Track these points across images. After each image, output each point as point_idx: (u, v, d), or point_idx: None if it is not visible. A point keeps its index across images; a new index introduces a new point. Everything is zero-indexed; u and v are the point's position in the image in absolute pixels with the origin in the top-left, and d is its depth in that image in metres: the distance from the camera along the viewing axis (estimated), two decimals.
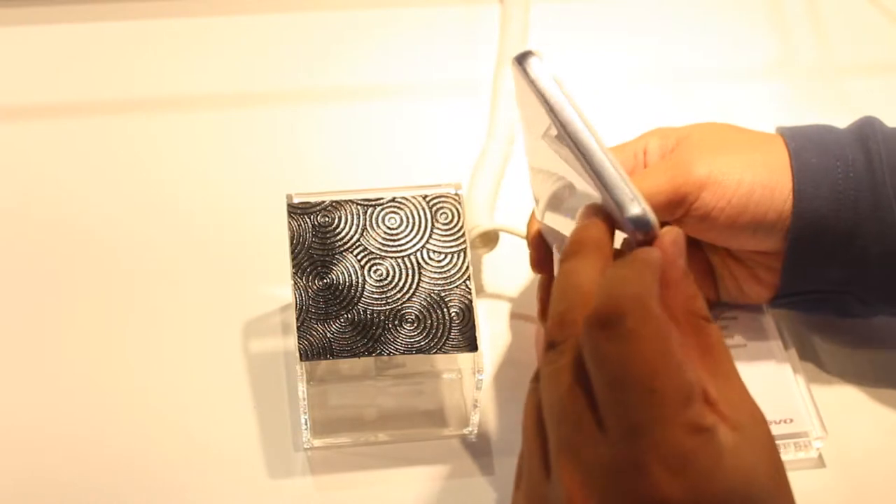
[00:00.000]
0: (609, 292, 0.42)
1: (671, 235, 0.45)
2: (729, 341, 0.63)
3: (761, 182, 0.57)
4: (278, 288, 0.64)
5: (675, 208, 0.57)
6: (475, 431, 0.60)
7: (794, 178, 0.57)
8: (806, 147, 0.58)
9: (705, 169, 0.56)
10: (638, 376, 0.40)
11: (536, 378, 0.45)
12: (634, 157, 0.59)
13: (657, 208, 0.48)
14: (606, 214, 0.46)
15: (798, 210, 0.57)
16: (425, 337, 0.57)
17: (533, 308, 0.66)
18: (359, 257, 0.58)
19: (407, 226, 0.59)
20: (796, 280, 0.60)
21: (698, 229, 0.58)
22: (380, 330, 0.57)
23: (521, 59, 0.48)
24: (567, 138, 0.47)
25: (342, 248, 0.59)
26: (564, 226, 0.51)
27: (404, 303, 0.57)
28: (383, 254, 0.59)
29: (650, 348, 0.40)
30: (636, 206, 0.44)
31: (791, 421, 0.60)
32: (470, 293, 0.58)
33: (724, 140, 0.59)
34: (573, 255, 0.45)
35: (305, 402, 0.58)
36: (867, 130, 0.59)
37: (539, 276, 0.60)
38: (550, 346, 0.43)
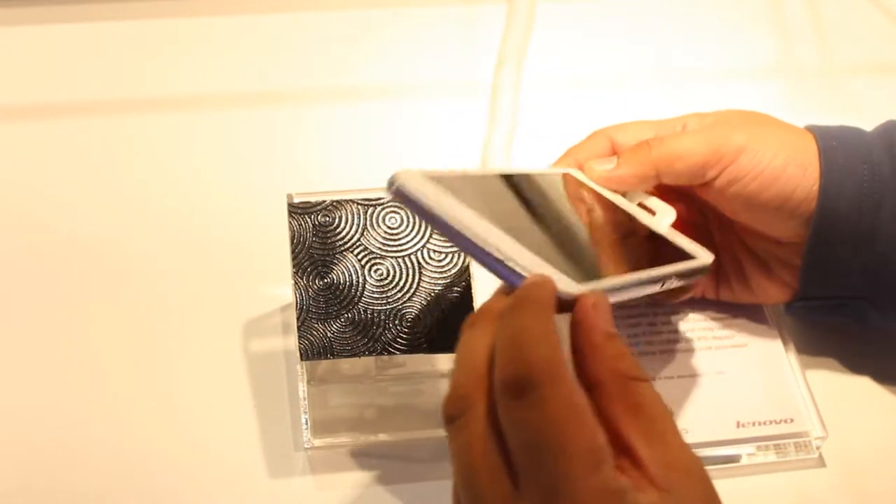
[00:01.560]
0: (518, 356, 0.42)
1: (591, 298, 0.45)
2: (729, 341, 0.63)
3: (794, 161, 0.57)
4: (278, 288, 0.64)
5: (708, 169, 0.58)
6: None
7: (821, 175, 0.57)
8: (833, 147, 0.58)
9: (744, 136, 0.58)
10: (550, 440, 0.41)
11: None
12: (673, 129, 0.61)
13: (692, 168, 0.57)
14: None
15: (822, 206, 0.57)
16: (425, 337, 0.57)
17: None
18: (359, 257, 0.58)
19: (407, 225, 0.59)
20: (814, 280, 0.60)
21: (724, 197, 0.58)
22: (380, 330, 0.57)
23: (389, 187, 0.47)
24: (454, 243, 0.47)
25: (342, 248, 0.59)
26: None
27: (405, 303, 0.57)
28: (384, 253, 0.59)
29: (561, 414, 0.41)
30: (518, 279, 0.45)
31: (791, 421, 0.60)
32: (470, 293, 0.58)
33: (762, 120, 0.60)
34: (469, 327, 0.45)
35: (306, 402, 0.58)
36: (894, 135, 0.59)
37: None
38: (450, 420, 0.44)
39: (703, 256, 0.57)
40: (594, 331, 0.44)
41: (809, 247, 0.59)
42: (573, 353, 0.44)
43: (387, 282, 0.58)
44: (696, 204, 0.62)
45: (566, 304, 0.45)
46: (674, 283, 0.54)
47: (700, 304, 0.64)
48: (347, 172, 0.71)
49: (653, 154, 0.58)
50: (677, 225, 0.59)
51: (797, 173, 0.57)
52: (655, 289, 0.52)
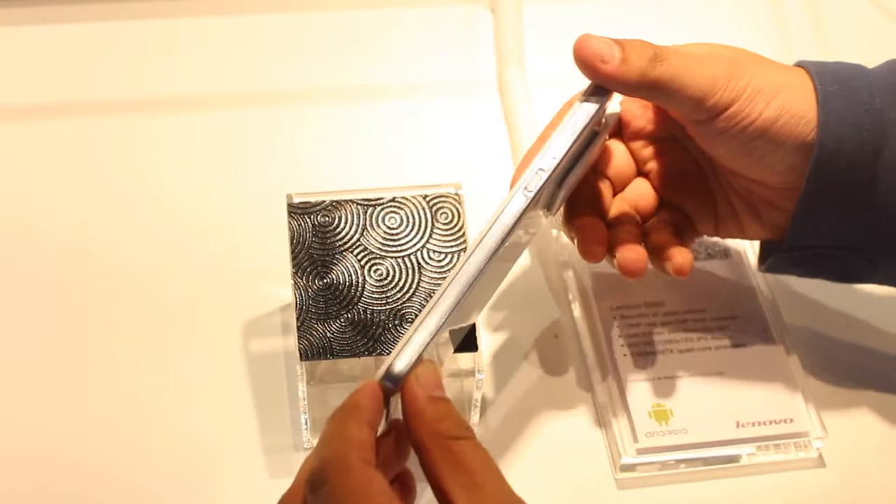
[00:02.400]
0: (318, 454, 0.47)
1: (413, 373, 0.49)
2: (729, 341, 0.63)
3: (789, 109, 0.55)
4: (278, 288, 0.64)
5: (704, 104, 0.56)
6: (475, 431, 0.60)
7: (818, 125, 0.55)
8: (833, 93, 0.56)
9: (740, 83, 0.55)
10: None
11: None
12: None
13: (693, 96, 0.55)
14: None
15: (818, 160, 0.55)
16: None
17: (532, 308, 0.66)
18: (359, 257, 0.58)
19: (407, 226, 0.59)
20: (805, 228, 0.58)
21: (714, 143, 0.57)
22: (380, 330, 0.57)
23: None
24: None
25: (342, 248, 0.59)
26: None
27: (404, 303, 0.57)
28: (383, 254, 0.59)
29: (350, 500, 0.45)
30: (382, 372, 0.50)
31: (791, 421, 0.60)
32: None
33: (753, 61, 0.57)
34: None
35: (305, 402, 0.58)
36: None
37: None
38: None
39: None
40: (416, 399, 0.48)
41: (803, 197, 0.56)
42: (404, 422, 0.49)
43: (386, 282, 0.58)
44: (689, 151, 0.61)
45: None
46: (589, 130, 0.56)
47: (700, 304, 0.64)
48: (347, 172, 0.71)
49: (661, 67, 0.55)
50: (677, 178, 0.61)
51: (791, 123, 0.55)
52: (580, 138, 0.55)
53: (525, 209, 0.54)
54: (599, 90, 0.55)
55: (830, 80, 0.56)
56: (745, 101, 0.55)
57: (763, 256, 0.61)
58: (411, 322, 0.57)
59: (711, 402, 0.61)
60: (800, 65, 0.58)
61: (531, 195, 0.54)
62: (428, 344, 0.50)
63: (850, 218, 0.57)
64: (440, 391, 0.49)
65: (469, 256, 0.52)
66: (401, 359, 0.50)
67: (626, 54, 0.54)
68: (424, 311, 0.51)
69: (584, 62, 0.54)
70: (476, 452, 0.47)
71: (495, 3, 0.78)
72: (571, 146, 0.55)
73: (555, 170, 0.54)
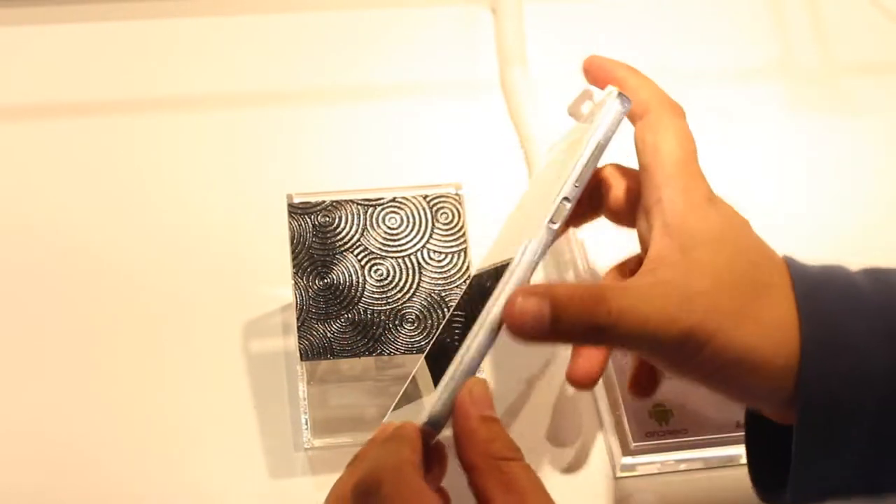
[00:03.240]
0: (371, 465, 0.47)
1: (468, 386, 0.49)
2: None
3: (767, 364, 0.48)
4: (278, 288, 0.64)
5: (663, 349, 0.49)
6: None
7: (798, 384, 0.48)
8: (821, 346, 0.48)
9: (711, 325, 0.48)
10: None
11: None
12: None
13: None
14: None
15: (803, 421, 0.48)
16: (425, 337, 0.57)
17: None
18: (359, 257, 0.58)
19: (407, 226, 0.59)
20: (803, 483, 0.50)
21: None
22: (380, 330, 0.57)
23: None
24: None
25: (342, 248, 0.59)
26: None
27: (404, 303, 0.57)
28: (383, 254, 0.59)
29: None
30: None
31: None
32: None
33: (741, 292, 0.49)
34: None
35: (306, 402, 0.58)
36: None
37: None
38: None
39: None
40: (468, 417, 0.48)
41: (797, 452, 0.49)
42: (455, 439, 0.48)
43: (387, 282, 0.58)
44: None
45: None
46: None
47: None
48: (347, 172, 0.71)
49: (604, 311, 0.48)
50: None
51: (770, 374, 0.49)
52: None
53: (552, 241, 0.51)
54: (620, 98, 0.53)
55: (820, 324, 0.49)
56: (712, 351, 0.48)
57: (759, 490, 0.55)
58: (411, 322, 0.57)
59: (711, 402, 0.60)
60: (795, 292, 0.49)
61: (556, 227, 0.51)
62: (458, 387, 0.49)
63: (848, 467, 0.50)
64: (491, 410, 0.48)
65: (500, 295, 0.49)
66: (441, 401, 0.49)
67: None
68: (463, 347, 0.49)
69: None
70: (526, 474, 0.47)
71: (496, 2, 0.78)
72: (593, 167, 0.53)
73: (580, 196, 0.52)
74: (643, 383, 0.57)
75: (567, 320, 0.47)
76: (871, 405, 0.48)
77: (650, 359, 0.52)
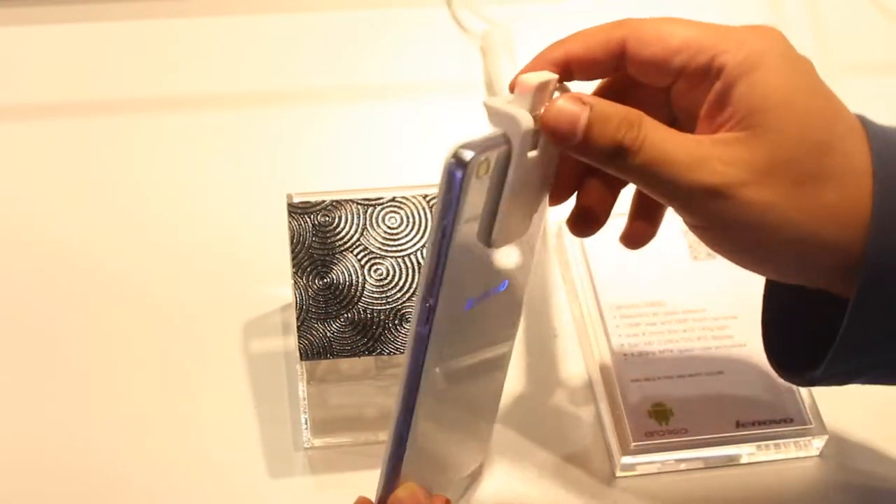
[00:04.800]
0: None
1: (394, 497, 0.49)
2: (729, 341, 0.63)
3: (826, 233, 0.46)
4: (278, 288, 0.64)
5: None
6: None
7: (869, 233, 0.45)
8: (893, 212, 0.46)
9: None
10: None
11: None
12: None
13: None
14: None
15: (867, 279, 0.46)
16: None
17: (532, 307, 0.66)
18: (359, 257, 0.58)
19: (407, 225, 0.59)
20: (838, 363, 0.48)
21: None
22: (380, 329, 0.57)
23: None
24: None
25: (342, 248, 0.59)
26: None
27: (404, 302, 0.57)
28: (383, 253, 0.59)
29: None
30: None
31: (791, 421, 0.60)
32: None
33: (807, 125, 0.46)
34: None
35: (305, 402, 0.58)
36: None
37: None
38: None
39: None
40: None
41: (846, 333, 0.47)
42: None
43: (386, 282, 0.58)
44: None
45: None
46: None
47: (700, 304, 0.64)
48: (347, 172, 0.71)
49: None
50: None
51: (820, 254, 0.46)
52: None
53: (428, 342, 0.46)
54: (458, 161, 0.43)
55: (892, 190, 0.46)
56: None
57: (777, 367, 0.53)
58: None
59: (711, 402, 0.61)
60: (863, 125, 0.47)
61: (427, 330, 0.46)
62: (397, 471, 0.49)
63: None
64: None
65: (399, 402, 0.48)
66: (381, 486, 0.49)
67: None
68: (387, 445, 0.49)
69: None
70: None
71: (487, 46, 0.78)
72: (445, 257, 0.45)
73: (437, 298, 0.45)
74: (634, 234, 0.53)
75: (597, 135, 0.46)
76: None
77: (677, 211, 0.48)
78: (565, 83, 0.50)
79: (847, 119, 0.47)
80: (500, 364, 0.55)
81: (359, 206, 0.59)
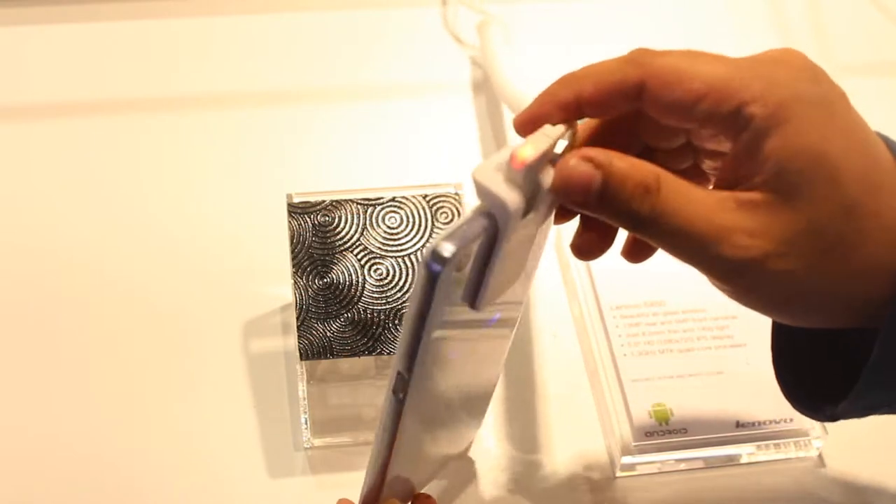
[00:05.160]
0: None
1: None
2: (729, 341, 0.63)
3: (847, 298, 0.44)
4: (278, 288, 0.64)
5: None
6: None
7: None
8: None
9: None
10: None
11: None
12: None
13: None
14: None
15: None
16: None
17: (532, 307, 0.66)
18: (359, 257, 0.58)
19: (407, 225, 0.59)
20: (872, 391, 0.46)
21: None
22: (380, 329, 0.57)
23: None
24: None
25: (342, 248, 0.59)
26: None
27: (404, 302, 0.57)
28: (383, 253, 0.59)
29: None
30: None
31: (791, 421, 0.60)
32: None
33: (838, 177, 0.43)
34: None
35: (305, 402, 0.58)
36: None
37: None
38: None
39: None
40: None
41: (873, 366, 0.45)
42: None
43: (386, 282, 0.58)
44: None
45: None
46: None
47: (700, 304, 0.64)
48: (347, 172, 0.71)
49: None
50: None
51: (848, 309, 0.45)
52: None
53: (401, 409, 0.46)
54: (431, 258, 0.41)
55: None
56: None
57: (794, 401, 0.51)
58: None
59: (711, 402, 0.61)
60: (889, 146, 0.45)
61: (402, 397, 0.46)
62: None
63: None
64: None
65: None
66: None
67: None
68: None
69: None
70: None
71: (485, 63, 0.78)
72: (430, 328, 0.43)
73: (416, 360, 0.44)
74: (635, 249, 0.52)
75: (612, 202, 0.43)
76: None
77: (697, 269, 0.46)
78: (575, 122, 0.47)
79: (881, 160, 0.45)
80: (494, 378, 0.55)
81: (359, 206, 0.59)
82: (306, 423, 0.58)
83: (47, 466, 0.58)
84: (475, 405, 0.56)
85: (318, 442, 0.59)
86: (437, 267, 0.41)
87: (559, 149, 0.45)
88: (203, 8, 0.79)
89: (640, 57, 0.45)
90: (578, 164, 0.43)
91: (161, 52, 0.77)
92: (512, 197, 0.42)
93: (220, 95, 0.75)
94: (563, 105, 0.46)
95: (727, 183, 0.45)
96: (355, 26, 0.79)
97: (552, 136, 0.44)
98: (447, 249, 0.41)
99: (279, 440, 0.59)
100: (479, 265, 0.43)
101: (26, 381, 0.61)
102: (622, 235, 0.49)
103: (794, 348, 0.50)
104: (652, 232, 0.44)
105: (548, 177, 0.44)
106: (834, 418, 0.48)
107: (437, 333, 0.44)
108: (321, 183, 0.62)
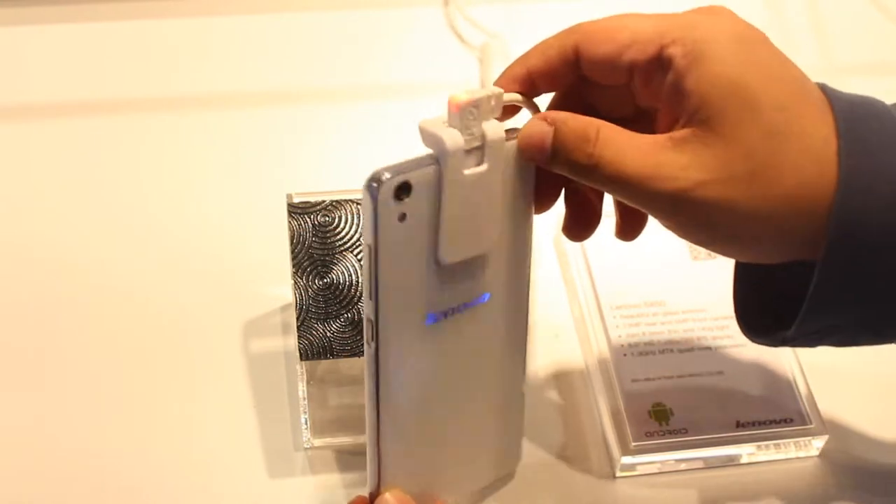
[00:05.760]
0: None
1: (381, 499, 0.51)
2: (729, 341, 0.63)
3: (775, 224, 0.46)
4: (278, 288, 0.64)
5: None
6: None
7: (836, 199, 0.45)
8: (861, 170, 0.45)
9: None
10: None
11: None
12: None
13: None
14: None
15: (836, 232, 0.46)
16: None
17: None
18: (359, 257, 0.58)
19: None
20: (809, 323, 0.49)
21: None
22: None
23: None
24: None
25: (342, 248, 0.59)
26: None
27: None
28: None
29: None
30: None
31: (791, 421, 0.60)
32: None
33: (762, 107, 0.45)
34: None
35: (305, 402, 0.58)
36: None
37: None
38: None
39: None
40: None
41: (815, 293, 0.47)
42: None
43: None
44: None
45: None
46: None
47: (700, 304, 0.64)
48: (347, 172, 0.71)
49: None
50: None
51: (781, 234, 0.46)
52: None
53: (376, 359, 0.49)
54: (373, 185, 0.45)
55: (860, 146, 0.46)
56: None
57: (746, 329, 0.53)
58: None
59: (711, 402, 0.61)
60: (824, 93, 0.47)
61: (375, 347, 0.49)
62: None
63: (869, 304, 0.48)
64: None
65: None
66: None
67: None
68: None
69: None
70: None
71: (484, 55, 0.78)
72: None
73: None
74: (625, 227, 0.54)
75: (561, 154, 0.47)
76: None
77: (645, 211, 0.49)
78: (533, 99, 0.50)
79: (806, 92, 0.47)
80: (512, 375, 0.55)
81: (359, 206, 0.59)
82: (306, 424, 0.58)
83: (47, 466, 0.58)
84: (500, 416, 0.55)
85: (318, 442, 0.59)
86: (373, 186, 0.45)
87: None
88: (203, 8, 0.79)
89: (576, 25, 0.50)
90: (535, 123, 0.48)
91: (161, 52, 0.77)
92: (448, 134, 0.46)
93: (220, 95, 0.75)
94: (516, 79, 0.50)
95: (667, 128, 0.48)
96: (355, 26, 0.79)
97: (490, 90, 0.47)
98: (384, 174, 0.45)
99: (279, 440, 0.59)
100: (434, 211, 0.47)
101: (26, 379, 0.61)
102: (608, 212, 0.52)
103: (753, 276, 0.52)
104: (596, 178, 0.47)
105: (493, 130, 0.47)
106: (785, 342, 0.50)
107: (401, 281, 0.47)
108: (321, 183, 0.62)
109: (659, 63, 0.47)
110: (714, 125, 0.45)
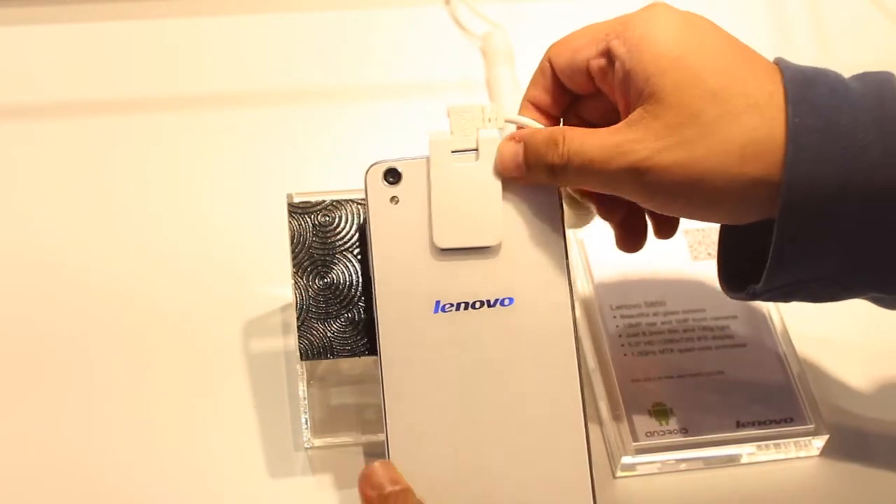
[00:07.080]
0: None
1: (371, 467, 0.52)
2: (729, 341, 0.63)
3: (750, 154, 0.48)
4: (278, 288, 0.64)
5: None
6: None
7: (785, 163, 0.48)
8: (809, 127, 0.48)
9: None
10: None
11: None
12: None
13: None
14: None
15: (786, 210, 0.48)
16: None
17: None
18: (359, 257, 0.58)
19: None
20: (775, 275, 0.50)
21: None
22: None
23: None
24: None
25: (342, 248, 0.59)
26: None
27: None
28: None
29: None
30: None
31: (791, 421, 0.60)
32: None
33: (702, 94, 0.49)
34: None
35: (306, 402, 0.58)
36: (887, 103, 0.49)
37: None
38: None
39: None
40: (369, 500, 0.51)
41: (775, 248, 0.49)
42: None
43: None
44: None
45: None
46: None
47: (700, 304, 0.64)
48: (347, 172, 0.71)
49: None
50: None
51: (737, 188, 0.49)
52: None
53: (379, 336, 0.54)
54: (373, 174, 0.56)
55: (807, 108, 0.48)
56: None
57: (725, 287, 0.55)
58: None
59: (711, 401, 0.61)
60: (778, 65, 0.50)
61: (370, 316, 0.55)
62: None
63: (827, 258, 0.50)
64: (394, 486, 0.51)
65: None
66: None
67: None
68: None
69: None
70: None
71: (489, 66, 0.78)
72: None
73: None
74: (628, 239, 0.57)
75: (533, 162, 0.52)
76: (856, 195, 0.47)
77: (620, 194, 0.52)
78: (512, 121, 0.55)
79: (751, 59, 0.50)
80: (561, 405, 0.54)
81: (359, 206, 0.59)
82: (306, 423, 0.58)
83: (48, 466, 0.58)
84: (550, 453, 0.53)
85: (318, 442, 0.59)
86: (367, 170, 0.53)
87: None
88: (203, 8, 0.79)
89: (550, 45, 0.55)
90: (506, 144, 0.53)
91: (161, 52, 0.77)
92: (437, 133, 0.54)
93: (220, 95, 0.75)
94: (533, 116, 0.56)
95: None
96: (356, 26, 0.79)
97: (482, 103, 0.54)
98: (378, 161, 0.54)
99: (279, 440, 0.59)
100: (429, 200, 0.53)
101: (26, 380, 0.61)
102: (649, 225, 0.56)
103: (735, 238, 0.55)
104: (568, 174, 0.51)
105: (487, 133, 0.54)
106: (755, 296, 0.52)
107: (400, 262, 0.53)
108: (321, 183, 0.62)
109: (609, 58, 0.51)
110: (660, 97, 0.49)
